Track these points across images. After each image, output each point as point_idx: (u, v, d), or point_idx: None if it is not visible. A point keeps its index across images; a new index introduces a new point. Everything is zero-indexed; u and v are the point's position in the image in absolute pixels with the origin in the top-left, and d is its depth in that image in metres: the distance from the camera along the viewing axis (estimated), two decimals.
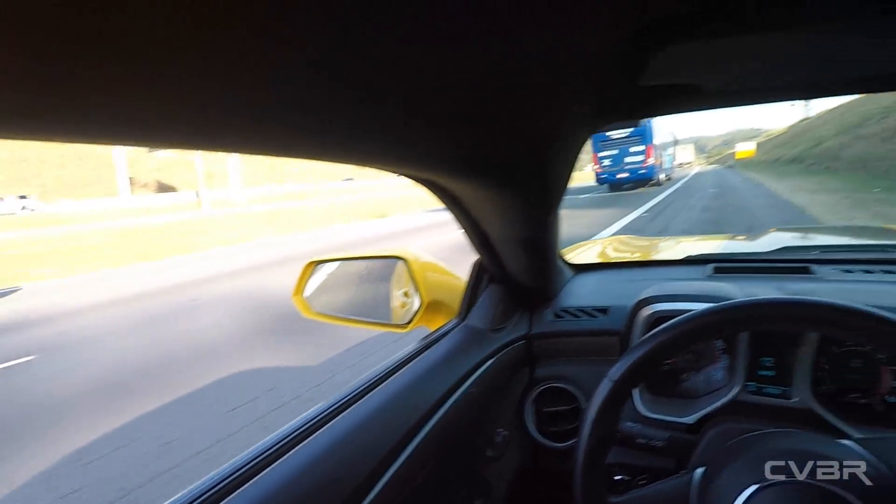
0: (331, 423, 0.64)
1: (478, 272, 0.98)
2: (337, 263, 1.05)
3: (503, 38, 0.32)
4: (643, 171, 18.21)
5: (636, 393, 0.90)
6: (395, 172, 0.50)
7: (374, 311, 1.07)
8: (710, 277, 1.13)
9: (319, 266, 1.04)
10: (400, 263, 0.99)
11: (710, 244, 1.70)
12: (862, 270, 1.09)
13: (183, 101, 0.24)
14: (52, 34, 0.17)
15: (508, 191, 0.62)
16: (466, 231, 0.81)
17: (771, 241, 1.53)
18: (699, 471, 0.61)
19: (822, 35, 0.44)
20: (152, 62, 0.21)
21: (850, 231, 1.87)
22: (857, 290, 0.91)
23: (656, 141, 18.52)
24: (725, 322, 0.59)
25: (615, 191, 19.01)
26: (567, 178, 0.68)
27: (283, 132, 0.32)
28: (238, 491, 0.50)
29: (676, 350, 0.60)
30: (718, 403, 0.84)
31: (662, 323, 0.62)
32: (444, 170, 0.51)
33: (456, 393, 0.81)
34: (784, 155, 33.06)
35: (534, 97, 0.43)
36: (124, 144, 0.28)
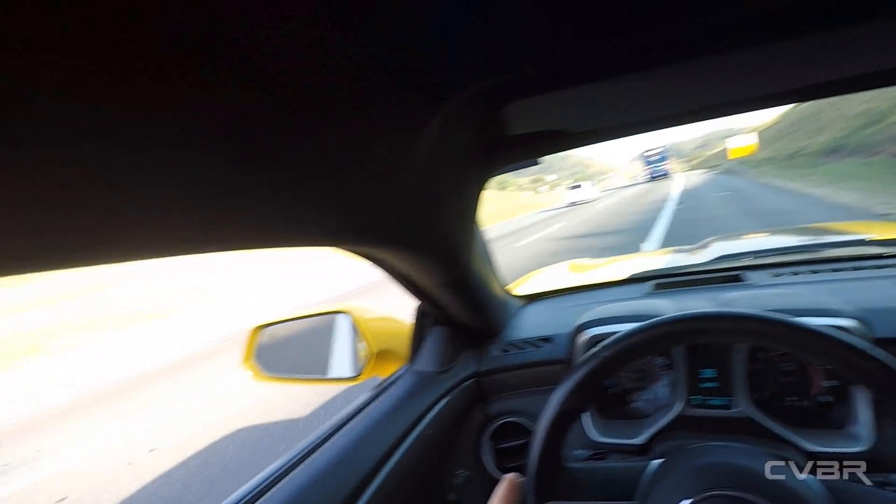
0: (283, 482, 0.64)
1: (421, 316, 1.01)
2: (282, 324, 1.05)
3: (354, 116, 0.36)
4: (665, 173, 54.84)
5: (587, 419, 0.91)
6: (302, 247, 0.52)
7: (325, 366, 1.08)
8: (649, 294, 1.18)
9: (265, 329, 1.05)
10: (345, 317, 1.01)
11: (655, 260, 1.77)
12: (790, 273, 1.16)
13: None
14: None
15: (419, 248, 0.65)
16: (398, 284, 0.84)
17: (709, 252, 1.59)
18: (655, 462, 0.63)
19: (674, 72, 0.48)
20: None
21: (785, 233, 1.98)
22: (782, 294, 0.95)
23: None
24: (648, 341, 0.60)
25: (652, 181, 43.75)
26: (471, 223, 0.73)
27: (195, 228, 0.33)
28: None
29: (605, 375, 0.61)
30: (666, 420, 0.86)
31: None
32: (352, 238, 0.54)
33: (409, 438, 0.82)
34: (786, 148, 26.39)
35: (419, 160, 0.47)
36: None
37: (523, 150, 0.66)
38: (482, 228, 0.97)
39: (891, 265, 1.09)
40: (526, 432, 1.00)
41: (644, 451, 0.85)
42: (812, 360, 0.82)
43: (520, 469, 0.99)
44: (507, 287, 1.26)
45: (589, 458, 0.88)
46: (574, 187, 32.66)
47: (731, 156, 31.30)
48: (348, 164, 0.39)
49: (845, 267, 1.13)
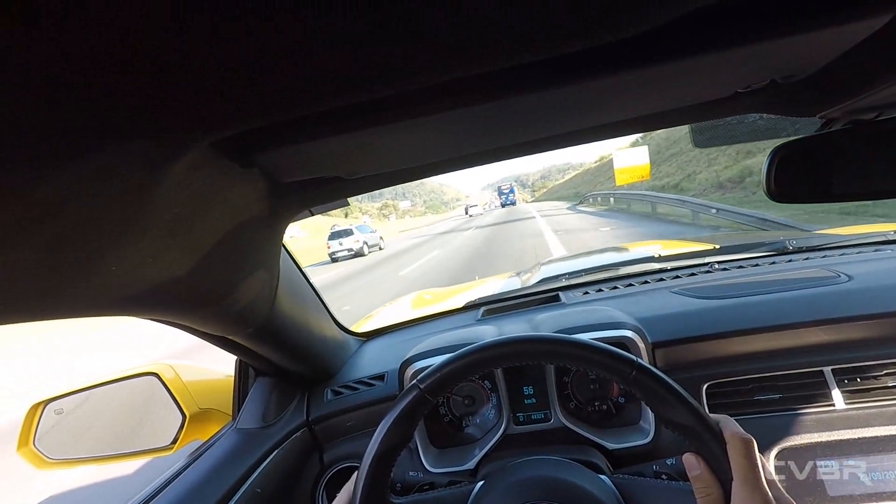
0: None
1: (242, 369, 0.95)
2: (73, 396, 0.91)
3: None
4: (513, 202, 73.80)
5: (420, 453, 0.92)
6: (67, 317, 0.46)
7: (133, 439, 0.95)
8: (477, 321, 1.25)
9: (48, 405, 0.89)
10: (153, 379, 0.90)
11: (492, 285, 1.90)
12: (597, 290, 1.33)
13: None
14: None
15: (206, 308, 0.62)
16: (208, 341, 0.78)
17: (536, 275, 1.74)
18: (479, 483, 0.66)
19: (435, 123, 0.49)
20: None
21: (600, 253, 2.27)
22: (585, 311, 1.06)
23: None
24: (452, 375, 0.62)
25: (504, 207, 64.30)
26: (267, 274, 0.71)
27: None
28: None
29: (422, 410, 0.63)
30: (493, 441, 0.90)
31: None
32: (131, 306, 0.50)
33: (234, 499, 0.75)
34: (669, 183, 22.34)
35: (170, 215, 0.44)
36: None
37: (308, 195, 0.66)
38: (304, 271, 0.95)
39: (668, 277, 1.32)
40: None
41: (474, 474, 0.88)
42: (581, 368, 0.91)
43: None
44: (354, 325, 1.25)
45: (417, 489, 0.90)
46: (338, 233, 19.75)
47: (618, 181, 20.68)
48: (60, 226, 0.35)
49: (636, 282, 1.33)
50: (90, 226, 0.37)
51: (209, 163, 0.44)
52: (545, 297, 1.35)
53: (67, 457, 0.89)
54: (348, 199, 0.71)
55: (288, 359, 0.92)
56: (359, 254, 19.30)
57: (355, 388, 1.03)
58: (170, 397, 0.90)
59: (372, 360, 1.14)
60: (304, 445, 0.97)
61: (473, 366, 0.64)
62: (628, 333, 0.92)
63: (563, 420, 0.91)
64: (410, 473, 0.90)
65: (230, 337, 0.76)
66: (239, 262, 0.61)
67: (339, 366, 1.11)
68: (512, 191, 77.38)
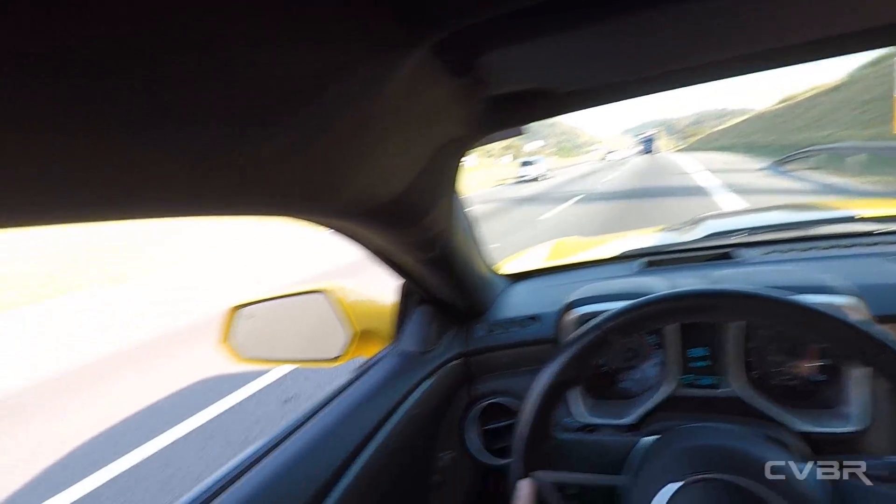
0: (261, 464, 0.61)
1: (405, 295, 0.98)
2: (259, 304, 1.01)
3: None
4: (651, 150, 70.13)
5: (577, 400, 0.90)
6: (264, 218, 0.48)
7: (305, 348, 1.04)
8: (640, 272, 1.16)
9: (242, 310, 1.01)
10: (325, 297, 0.97)
11: (645, 238, 1.75)
12: (781, 250, 1.14)
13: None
14: None
15: (394, 222, 0.62)
16: (376, 260, 0.80)
17: (701, 229, 1.58)
18: (647, 439, 0.62)
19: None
20: None
21: (775, 210, 1.96)
22: (776, 271, 0.94)
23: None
24: (649, 317, 0.59)
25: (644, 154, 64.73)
26: (451, 195, 0.69)
27: (176, 190, 0.30)
28: None
29: (601, 350, 0.61)
30: (656, 400, 0.85)
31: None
32: (315, 210, 0.50)
33: (392, 419, 0.79)
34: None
35: (390, 115, 0.43)
36: None
37: (506, 114, 0.61)
38: (464, 202, 0.93)
39: (882, 241, 1.08)
40: (512, 413, 0.98)
41: (634, 431, 0.84)
42: (815, 341, 0.80)
43: (507, 450, 0.98)
44: (494, 266, 1.23)
45: (579, 430, 0.87)
46: (526, 163, 32.07)
47: None
48: (307, 116, 0.34)
49: (837, 244, 1.11)
50: (326, 122, 0.35)
51: (428, 69, 0.42)
52: (715, 253, 1.20)
53: (254, 356, 1.01)
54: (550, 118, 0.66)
55: (451, 290, 0.93)
56: (537, 179, 29.66)
57: (507, 328, 1.02)
58: (337, 315, 0.96)
59: (523, 302, 1.11)
60: (457, 376, 0.98)
61: (667, 314, 0.59)
62: (846, 300, 0.76)
63: (742, 390, 0.81)
64: (565, 419, 0.88)
65: (409, 261, 0.77)
66: (436, 184, 0.60)
67: (490, 303, 1.10)
68: (652, 139, 76.34)
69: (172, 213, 0.33)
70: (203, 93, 0.25)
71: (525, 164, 31.94)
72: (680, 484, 0.53)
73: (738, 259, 1.12)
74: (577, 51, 0.47)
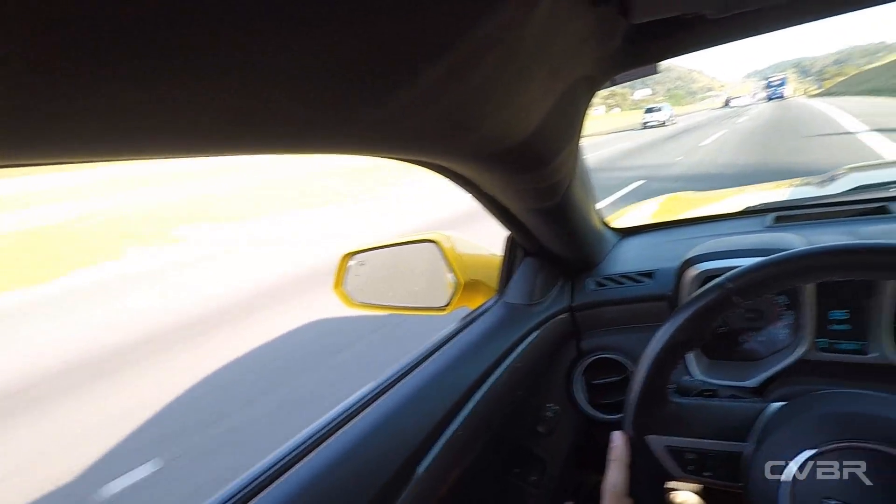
0: (370, 408, 0.65)
1: (511, 246, 0.96)
2: (371, 252, 1.05)
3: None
4: (781, 96, 67.93)
5: (692, 360, 0.85)
6: (391, 158, 0.47)
7: (412, 296, 1.08)
8: (769, 228, 1.04)
9: (354, 257, 1.05)
10: (433, 246, 0.98)
11: (772, 192, 1.57)
12: None
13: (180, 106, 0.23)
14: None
15: (514, 166, 0.59)
16: (487, 209, 0.78)
17: (843, 183, 1.39)
18: (775, 405, 0.57)
19: None
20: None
21: None
22: None
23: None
24: (783, 274, 0.54)
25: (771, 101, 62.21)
26: (576, 146, 0.64)
27: (287, 127, 0.30)
28: (285, 475, 0.53)
29: (724, 311, 0.56)
30: (785, 363, 0.77)
31: (711, 282, 0.57)
32: (442, 151, 0.49)
33: (498, 370, 0.80)
34: None
35: (526, 50, 0.40)
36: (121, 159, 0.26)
37: (645, 48, 0.55)
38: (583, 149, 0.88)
39: None
40: (621, 369, 0.95)
41: (757, 394, 0.78)
42: None
43: (615, 405, 0.95)
44: (605, 219, 1.17)
45: (697, 394, 0.83)
46: (650, 110, 35.53)
47: None
48: (452, 58, 0.31)
49: None
50: (470, 62, 0.33)
51: None
52: (865, 207, 1.03)
53: (366, 301, 1.07)
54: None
55: (560, 242, 0.90)
56: (664, 124, 32.42)
57: (620, 282, 0.96)
58: (446, 264, 0.97)
59: (635, 257, 1.05)
60: (564, 329, 0.96)
61: (811, 271, 0.53)
62: None
63: (893, 356, 0.71)
64: (685, 378, 0.83)
65: (524, 210, 0.75)
66: (565, 127, 0.57)
67: (601, 257, 1.05)
68: (782, 83, 75.70)
69: (313, 149, 0.36)
70: (351, 40, 0.25)
71: (649, 110, 35.47)
72: (814, 451, 0.48)
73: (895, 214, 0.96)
74: None
